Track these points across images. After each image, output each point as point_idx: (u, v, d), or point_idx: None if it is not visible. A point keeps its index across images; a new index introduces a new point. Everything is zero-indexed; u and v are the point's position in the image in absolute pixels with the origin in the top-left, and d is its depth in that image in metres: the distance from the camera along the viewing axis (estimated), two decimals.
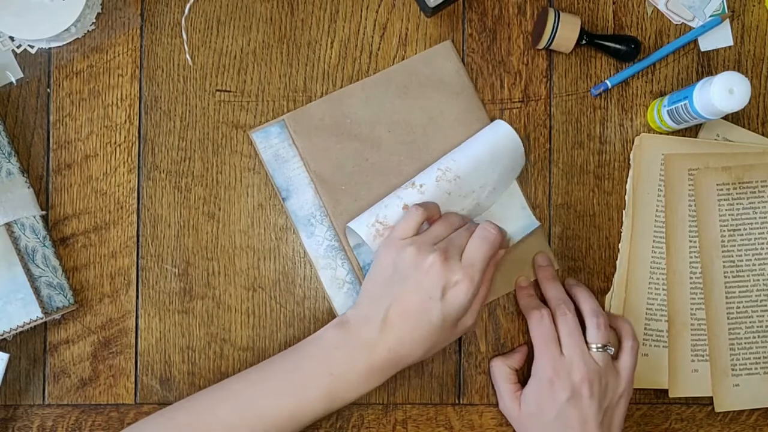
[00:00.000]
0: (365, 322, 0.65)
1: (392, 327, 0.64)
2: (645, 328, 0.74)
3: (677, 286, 0.74)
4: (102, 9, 0.73)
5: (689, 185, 0.74)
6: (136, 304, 0.73)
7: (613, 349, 0.69)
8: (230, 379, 0.67)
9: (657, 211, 0.74)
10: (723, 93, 0.65)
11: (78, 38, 0.73)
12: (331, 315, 0.73)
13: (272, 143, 0.73)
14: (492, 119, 0.74)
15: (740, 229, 0.74)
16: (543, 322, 0.69)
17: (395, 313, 0.64)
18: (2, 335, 0.69)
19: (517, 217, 0.73)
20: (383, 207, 0.69)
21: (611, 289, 0.74)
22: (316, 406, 0.64)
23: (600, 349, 0.68)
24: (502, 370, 0.72)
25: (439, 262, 0.64)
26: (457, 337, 0.69)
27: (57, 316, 0.71)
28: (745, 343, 0.74)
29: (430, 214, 0.68)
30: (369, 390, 0.65)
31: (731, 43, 0.75)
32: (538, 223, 0.73)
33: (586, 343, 0.68)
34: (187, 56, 0.74)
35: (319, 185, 0.72)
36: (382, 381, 0.65)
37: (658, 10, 0.75)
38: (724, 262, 0.74)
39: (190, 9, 0.74)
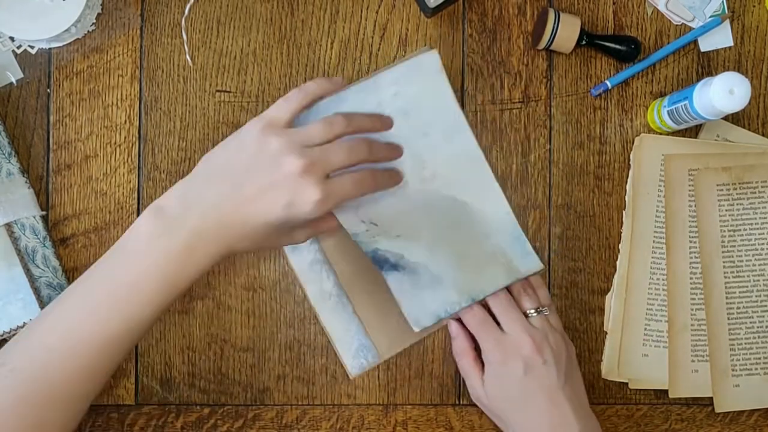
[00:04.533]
0: (191, 206, 0.59)
1: (224, 219, 0.59)
2: (645, 329, 0.74)
3: (677, 286, 0.74)
4: (102, 9, 0.73)
5: (689, 185, 0.74)
6: None
7: (548, 309, 0.70)
8: (52, 304, 0.61)
9: (657, 211, 0.74)
10: (723, 93, 0.65)
11: (78, 38, 0.73)
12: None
13: None
14: (491, 121, 0.74)
15: (740, 230, 0.74)
16: (473, 310, 0.70)
17: (233, 203, 0.59)
18: (2, 335, 0.69)
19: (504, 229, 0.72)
20: None
21: (611, 289, 0.74)
22: (154, 300, 0.59)
23: (536, 313, 0.69)
24: (462, 363, 0.71)
25: (299, 170, 0.58)
26: (282, 246, 0.67)
27: None
28: (745, 343, 0.74)
29: (309, 99, 0.64)
30: (205, 270, 0.60)
31: (731, 44, 0.75)
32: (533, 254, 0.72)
33: (524, 314, 0.69)
34: (187, 57, 0.74)
35: None
36: (211, 264, 0.60)
37: (658, 10, 0.75)
38: (724, 262, 0.74)
39: (190, 9, 0.74)
